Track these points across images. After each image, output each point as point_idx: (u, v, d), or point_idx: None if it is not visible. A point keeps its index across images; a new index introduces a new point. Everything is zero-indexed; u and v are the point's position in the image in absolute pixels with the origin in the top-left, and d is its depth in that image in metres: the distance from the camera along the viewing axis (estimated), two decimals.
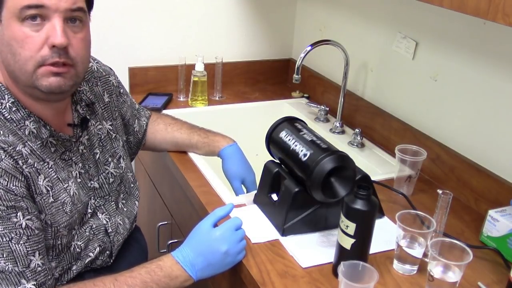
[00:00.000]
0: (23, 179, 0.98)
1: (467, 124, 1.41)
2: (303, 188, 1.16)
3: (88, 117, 1.20)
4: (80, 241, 1.13)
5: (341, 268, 0.96)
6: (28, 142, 1.03)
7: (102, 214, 1.20)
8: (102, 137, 1.24)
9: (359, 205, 1.01)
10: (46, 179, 1.04)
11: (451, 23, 1.42)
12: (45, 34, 0.98)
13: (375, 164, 1.57)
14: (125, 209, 1.28)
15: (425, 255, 1.08)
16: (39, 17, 0.98)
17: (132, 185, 1.33)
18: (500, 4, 0.91)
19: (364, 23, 1.77)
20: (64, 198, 1.08)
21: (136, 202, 1.34)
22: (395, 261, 1.11)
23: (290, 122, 1.28)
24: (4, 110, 1.03)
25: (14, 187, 0.96)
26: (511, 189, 1.27)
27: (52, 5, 0.97)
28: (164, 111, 1.79)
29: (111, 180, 1.24)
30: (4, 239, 0.95)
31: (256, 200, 1.30)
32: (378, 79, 1.73)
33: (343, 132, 1.77)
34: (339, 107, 1.76)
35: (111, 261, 1.23)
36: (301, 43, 2.14)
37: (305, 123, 1.31)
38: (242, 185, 1.42)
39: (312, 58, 1.81)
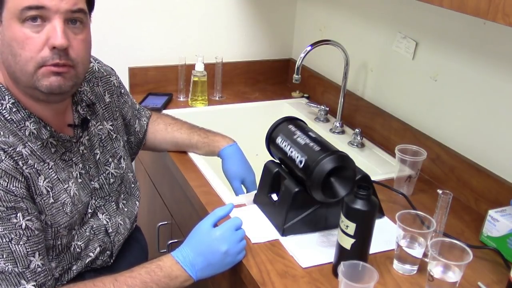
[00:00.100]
0: (23, 180, 0.98)
1: (467, 124, 1.41)
2: (303, 188, 1.16)
3: (88, 117, 1.20)
4: (80, 241, 1.13)
5: (341, 268, 0.96)
6: (28, 143, 1.03)
7: (103, 214, 1.20)
8: (103, 137, 1.24)
9: (359, 205, 1.01)
10: (46, 180, 1.04)
11: (451, 23, 1.42)
12: (46, 35, 0.98)
13: (375, 164, 1.57)
14: (125, 209, 1.28)
15: (425, 255, 1.08)
16: (39, 18, 0.98)
17: (132, 185, 1.33)
18: (500, 4, 0.91)
19: (364, 23, 1.77)
20: (64, 199, 1.08)
21: (137, 202, 1.34)
22: (395, 261, 1.11)
23: (290, 122, 1.28)
24: (5, 110, 1.03)
25: (14, 188, 0.96)
26: (511, 189, 1.27)
27: (53, 6, 0.97)
28: (164, 111, 1.79)
29: (111, 180, 1.24)
30: (4, 240, 0.95)
31: (256, 200, 1.30)
32: (378, 79, 1.73)
33: (343, 132, 1.77)
34: (339, 107, 1.76)
35: (112, 261, 1.23)
36: (301, 43, 2.14)
37: (305, 123, 1.31)
38: (242, 185, 1.42)
39: (312, 58, 1.81)
